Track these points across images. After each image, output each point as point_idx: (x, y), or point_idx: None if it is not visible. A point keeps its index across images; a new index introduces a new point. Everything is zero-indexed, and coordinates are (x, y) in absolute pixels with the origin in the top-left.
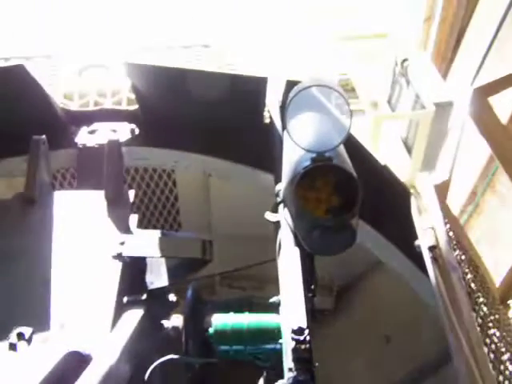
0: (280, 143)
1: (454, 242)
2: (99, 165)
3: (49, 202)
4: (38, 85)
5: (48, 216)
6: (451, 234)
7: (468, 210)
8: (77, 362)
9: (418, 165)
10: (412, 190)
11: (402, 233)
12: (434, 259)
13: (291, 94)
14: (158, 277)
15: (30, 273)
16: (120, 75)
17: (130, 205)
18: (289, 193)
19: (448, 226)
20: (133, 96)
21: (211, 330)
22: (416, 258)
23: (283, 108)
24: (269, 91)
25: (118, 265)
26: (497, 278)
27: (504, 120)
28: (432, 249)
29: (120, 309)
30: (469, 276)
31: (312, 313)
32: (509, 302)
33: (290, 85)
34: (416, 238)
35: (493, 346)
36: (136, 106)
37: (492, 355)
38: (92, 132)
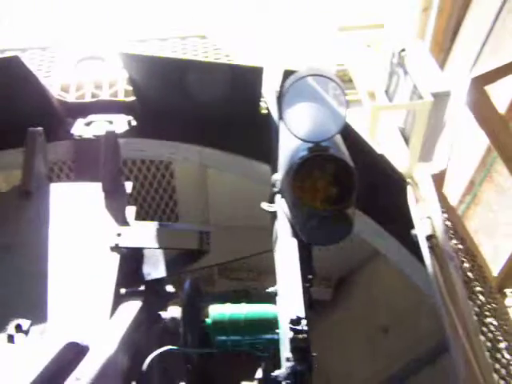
0: (277, 133)
1: (451, 232)
2: (96, 157)
3: (46, 194)
4: (34, 76)
5: (45, 208)
6: (448, 223)
7: (466, 200)
8: (75, 353)
9: (416, 155)
10: (409, 180)
11: (399, 222)
12: (431, 248)
13: (287, 84)
14: (155, 268)
15: (27, 265)
16: (116, 67)
17: (127, 196)
18: (285, 183)
19: (445, 215)
20: (129, 87)
21: (209, 321)
22: (413, 247)
23: (280, 98)
24: (265, 81)
25: (116, 256)
26: (494, 267)
27: (502, 109)
28: (429, 238)
29: (118, 300)
30: (466, 265)
31: (310, 303)
32: (506, 290)
33: (287, 74)
34: (413, 227)
35: (490, 335)
36: (133, 98)
37: (489, 343)
38: (89, 124)
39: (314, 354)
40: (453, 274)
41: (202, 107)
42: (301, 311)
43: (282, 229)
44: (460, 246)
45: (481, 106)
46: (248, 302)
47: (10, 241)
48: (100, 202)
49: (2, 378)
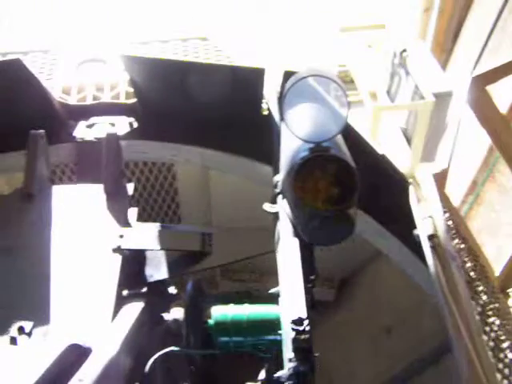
0: (278, 134)
1: (453, 231)
2: (98, 159)
3: (48, 196)
4: (36, 79)
5: (47, 211)
6: (450, 222)
7: (469, 200)
8: (77, 355)
9: (418, 156)
10: (411, 180)
11: (401, 223)
12: (433, 248)
13: (288, 85)
14: (157, 270)
15: (30, 267)
16: (118, 69)
17: (129, 198)
18: (287, 183)
19: (447, 214)
20: (131, 90)
21: (211, 322)
22: (416, 248)
23: (281, 99)
24: (267, 82)
25: (118, 258)
26: (497, 267)
27: (504, 109)
28: (431, 238)
29: (120, 302)
30: (468, 265)
31: (312, 303)
32: (508, 290)
33: (288, 75)
34: (415, 227)
35: (492, 334)
36: (134, 100)
37: (492, 343)
38: (90, 126)
39: (317, 355)
40: (455, 274)
41: (204, 109)
42: (302, 312)
43: (284, 229)
44: (462, 246)
45: (482, 106)
46: (250, 303)
47: (13, 243)
48: (102, 204)
49: (5, 379)
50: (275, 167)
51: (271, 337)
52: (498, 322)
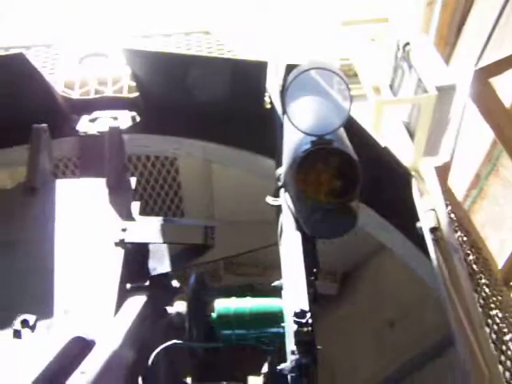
0: (281, 128)
1: (456, 224)
2: (101, 153)
3: (51, 190)
4: (39, 73)
5: (50, 204)
6: (453, 215)
7: (472, 194)
8: (81, 347)
9: (421, 150)
10: (414, 173)
11: (404, 216)
12: (436, 241)
13: (290, 77)
14: (160, 263)
15: (33, 261)
16: (120, 63)
17: (132, 192)
18: (289, 177)
19: (449, 207)
20: (133, 83)
21: (214, 315)
22: (419, 241)
23: (283, 92)
24: (269, 76)
25: (121, 251)
26: (500, 260)
27: (507, 102)
28: (433, 230)
29: (123, 295)
30: (471, 257)
31: (315, 296)
32: (511, 283)
33: (290, 69)
34: (418, 220)
35: (495, 327)
36: (137, 94)
37: (494, 336)
38: (93, 120)
39: (319, 347)
40: (457, 267)
41: (206, 102)
42: (305, 304)
43: (287, 222)
44: (465, 239)
45: (485, 99)
46: (253, 296)
47: (16, 237)
48: (105, 198)
49: (9, 372)
50: (278, 160)
51: (274, 330)
52: (500, 314)
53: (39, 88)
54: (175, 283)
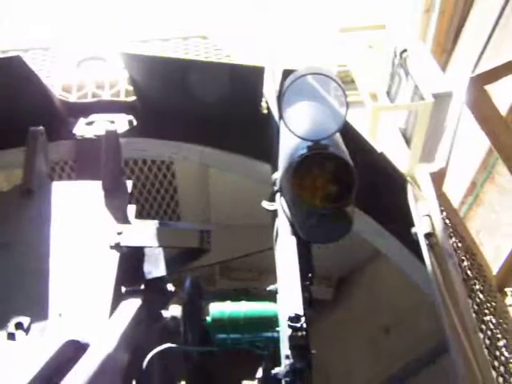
0: (277, 133)
1: (451, 230)
2: (98, 156)
3: (47, 193)
4: (36, 76)
5: (46, 207)
6: (448, 221)
7: (468, 201)
8: (75, 350)
9: (417, 156)
10: (409, 179)
11: (399, 222)
12: (430, 246)
13: (287, 83)
14: (155, 267)
15: (28, 263)
16: (118, 67)
17: (128, 195)
18: (285, 181)
19: (444, 213)
20: (131, 87)
21: (209, 319)
22: (414, 247)
23: (279, 97)
24: (266, 81)
25: (116, 255)
26: (495, 266)
27: (503, 109)
28: (428, 236)
29: (118, 298)
30: (465, 263)
31: (310, 301)
32: (506, 289)
33: (287, 74)
34: (413, 225)
35: (489, 333)
36: (134, 98)
37: (488, 341)
38: (90, 123)
39: (313, 352)
40: (452, 272)
41: (203, 107)
42: (299, 309)
43: (282, 227)
44: (460, 245)
45: (480, 106)
46: (248, 300)
47: (12, 239)
48: (101, 201)
49: (3, 375)
50: (274, 165)
51: (268, 334)
52: (494, 320)
53: (36, 91)
54: (170, 287)
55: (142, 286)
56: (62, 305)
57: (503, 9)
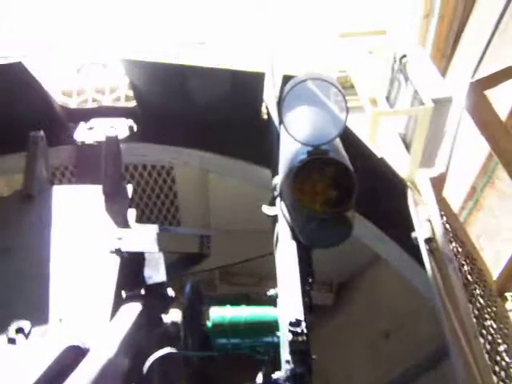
0: (277, 138)
1: (451, 235)
2: (98, 162)
3: (47, 198)
4: (37, 82)
5: (46, 212)
6: (448, 226)
7: (468, 206)
8: (75, 355)
9: (417, 161)
10: (409, 184)
11: (399, 227)
12: (431, 251)
13: (287, 88)
14: (156, 272)
15: (29, 268)
16: (118, 72)
17: (128, 200)
18: (285, 186)
19: (445, 218)
20: (131, 93)
21: (209, 324)
22: (414, 252)
23: (280, 102)
24: (266, 86)
25: (116, 260)
26: (495, 271)
27: (502, 114)
28: (428, 241)
29: (118, 303)
30: (465, 268)
31: (310, 306)
32: (506, 294)
33: (287, 79)
34: (413, 230)
35: (489, 337)
36: (134, 103)
37: (488, 346)
38: (90, 129)
39: (314, 357)
40: (452, 276)
41: (203, 112)
42: (300, 314)
43: (282, 232)
44: (460, 249)
45: (480, 111)
46: (248, 305)
47: (12, 244)
48: (101, 205)
49: (3, 379)
50: (274, 170)
51: (269, 339)
52: (494, 325)
53: (37, 96)
54: (171, 292)
55: (143, 291)
56: (63, 309)
57: (502, 14)
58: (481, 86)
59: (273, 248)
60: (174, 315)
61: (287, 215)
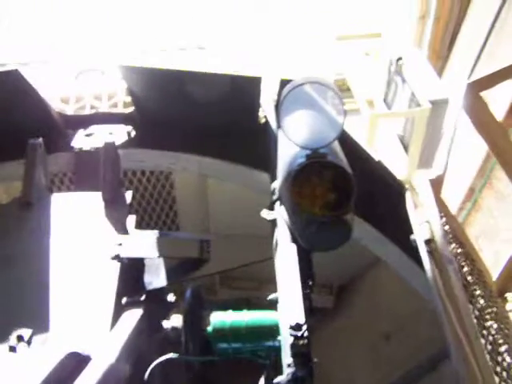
0: (275, 142)
1: (450, 236)
2: (96, 168)
3: (46, 205)
4: (34, 90)
5: (45, 219)
6: (447, 227)
7: (467, 207)
8: (76, 362)
9: (415, 162)
10: (407, 186)
11: (399, 229)
12: (430, 253)
13: (285, 92)
14: (156, 277)
15: (29, 275)
16: (116, 78)
17: (127, 206)
18: (284, 190)
19: (443, 219)
20: (129, 99)
21: (210, 329)
22: (414, 253)
23: (277, 106)
24: (263, 91)
25: (117, 266)
26: (495, 272)
27: (499, 115)
28: (428, 242)
29: (119, 310)
30: (465, 269)
31: (310, 309)
32: (506, 295)
33: (284, 84)
34: (412, 232)
35: (490, 338)
36: (132, 109)
37: (489, 347)
38: (89, 135)
39: (315, 360)
40: (452, 278)
41: (201, 117)
42: (301, 317)
43: (282, 235)
44: (459, 250)
45: (477, 112)
46: (249, 310)
47: (12, 252)
48: (100, 212)
49: None
50: (272, 174)
51: (270, 343)
52: (495, 325)
53: (34, 104)
54: (171, 297)
55: (143, 297)
56: (63, 317)
57: (499, 12)
58: (478, 87)
59: (272, 252)
60: (174, 320)
61: (286, 219)
